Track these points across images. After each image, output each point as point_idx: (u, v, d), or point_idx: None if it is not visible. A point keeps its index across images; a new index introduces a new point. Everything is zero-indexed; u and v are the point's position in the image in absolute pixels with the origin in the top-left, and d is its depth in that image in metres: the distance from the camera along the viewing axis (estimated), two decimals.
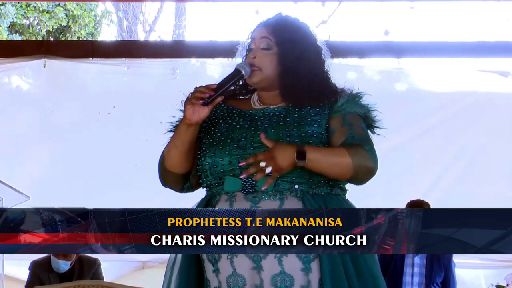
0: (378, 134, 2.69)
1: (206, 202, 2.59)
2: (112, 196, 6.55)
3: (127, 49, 6.83)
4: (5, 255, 5.92)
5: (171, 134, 2.68)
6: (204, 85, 2.57)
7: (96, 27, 13.66)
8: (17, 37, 12.78)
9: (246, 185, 2.52)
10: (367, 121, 2.67)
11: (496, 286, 5.86)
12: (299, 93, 2.62)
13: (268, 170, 2.43)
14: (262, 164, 2.43)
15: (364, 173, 2.55)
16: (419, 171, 6.59)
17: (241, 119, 2.63)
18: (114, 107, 6.56)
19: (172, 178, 2.66)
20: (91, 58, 6.53)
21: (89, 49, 6.58)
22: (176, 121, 2.70)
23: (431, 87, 6.77)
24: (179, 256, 2.61)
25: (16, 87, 6.68)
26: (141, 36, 15.73)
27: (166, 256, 7.45)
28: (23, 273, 6.11)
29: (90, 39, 13.10)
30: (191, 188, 2.70)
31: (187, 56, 6.58)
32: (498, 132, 6.61)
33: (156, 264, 6.67)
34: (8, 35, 12.65)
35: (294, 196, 2.52)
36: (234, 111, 2.67)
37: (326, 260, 2.47)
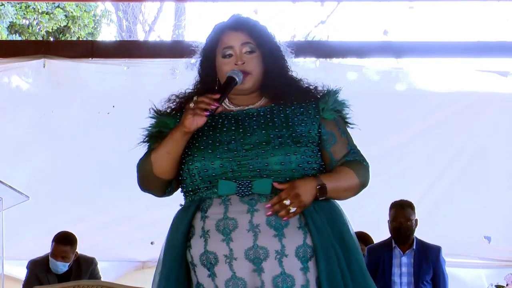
0: (352, 129, 2.70)
1: (196, 207, 2.55)
2: (112, 195, 6.55)
3: (127, 49, 6.83)
4: (5, 255, 5.93)
5: (144, 145, 2.68)
6: (204, 95, 2.55)
7: (95, 27, 13.65)
8: (16, 37, 12.76)
9: (242, 188, 2.51)
10: (343, 117, 2.69)
11: (496, 286, 5.86)
12: (282, 91, 2.64)
13: (293, 209, 2.45)
14: (287, 202, 2.44)
15: (363, 189, 2.63)
16: (418, 171, 6.59)
17: (225, 121, 2.61)
18: (113, 107, 6.56)
19: (157, 184, 2.65)
20: (90, 58, 6.53)
21: (88, 49, 6.58)
22: (148, 133, 2.69)
23: (430, 87, 6.77)
24: (164, 259, 2.61)
25: (16, 87, 6.68)
26: (140, 36, 15.72)
27: None
28: (23, 273, 6.11)
29: (89, 39, 13.09)
30: (171, 192, 2.70)
31: (186, 56, 6.56)
32: (498, 132, 6.61)
33: (156, 264, 6.66)
34: (7, 35, 12.63)
35: None
36: (214, 114, 2.62)
37: (322, 257, 2.47)
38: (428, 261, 5.70)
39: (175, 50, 6.73)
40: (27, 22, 13.03)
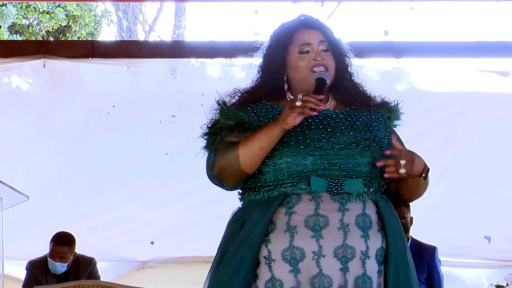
0: None
1: (280, 202, 2.52)
2: (112, 195, 6.55)
3: (127, 49, 6.82)
4: (5, 255, 5.93)
5: (199, 138, 2.66)
6: (309, 95, 2.53)
7: (96, 27, 13.66)
8: (17, 37, 12.76)
9: (335, 186, 2.51)
10: None
11: (496, 286, 5.85)
12: (353, 95, 2.69)
13: (403, 171, 2.48)
14: (403, 162, 2.48)
15: None
16: None
17: (309, 119, 2.59)
18: (114, 107, 6.56)
19: (239, 177, 2.59)
20: (90, 58, 6.52)
21: (89, 49, 6.57)
22: (220, 125, 2.63)
23: (431, 87, 6.77)
24: (234, 252, 2.54)
25: (16, 87, 6.68)
26: (140, 36, 15.72)
27: (166, 256, 7.40)
28: (23, 273, 6.11)
29: (90, 39, 13.08)
30: (240, 186, 2.66)
31: (186, 56, 6.57)
32: (498, 132, 6.60)
33: (156, 264, 6.66)
34: (8, 35, 12.63)
35: (370, 199, 2.56)
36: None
37: (392, 263, 2.53)
38: (423, 261, 5.69)
39: (175, 50, 6.74)
40: (28, 22, 13.02)
